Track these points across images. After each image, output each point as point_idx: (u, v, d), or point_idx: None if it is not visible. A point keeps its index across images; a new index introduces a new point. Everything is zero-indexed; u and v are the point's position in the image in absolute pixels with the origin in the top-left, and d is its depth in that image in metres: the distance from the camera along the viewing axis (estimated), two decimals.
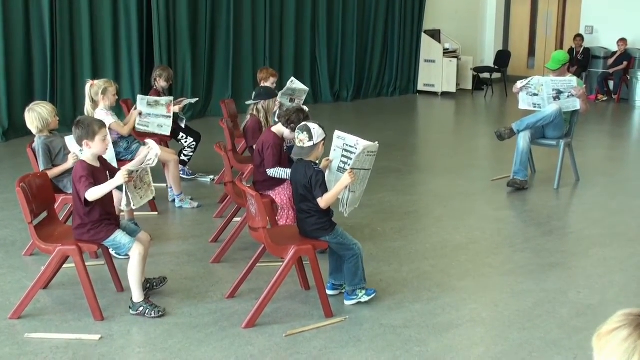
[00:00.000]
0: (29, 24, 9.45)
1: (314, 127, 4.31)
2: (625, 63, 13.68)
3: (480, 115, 13.31)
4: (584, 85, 7.63)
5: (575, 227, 6.33)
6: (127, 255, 4.36)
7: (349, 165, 4.31)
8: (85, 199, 4.05)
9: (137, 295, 4.26)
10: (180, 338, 4.02)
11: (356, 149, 4.31)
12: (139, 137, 6.63)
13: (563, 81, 7.17)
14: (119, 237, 4.22)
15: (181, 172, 6.91)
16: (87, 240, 4.22)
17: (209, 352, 3.86)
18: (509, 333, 4.16)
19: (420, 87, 14.54)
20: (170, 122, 6.74)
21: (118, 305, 4.40)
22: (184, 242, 5.64)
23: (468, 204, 6.90)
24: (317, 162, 4.40)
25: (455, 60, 14.24)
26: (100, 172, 4.23)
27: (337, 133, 4.52)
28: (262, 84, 7.09)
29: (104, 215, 4.22)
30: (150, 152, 4.28)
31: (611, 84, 14.04)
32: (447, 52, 14.38)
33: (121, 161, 5.81)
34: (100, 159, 4.32)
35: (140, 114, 6.58)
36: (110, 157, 5.19)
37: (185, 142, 7.31)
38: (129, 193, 4.14)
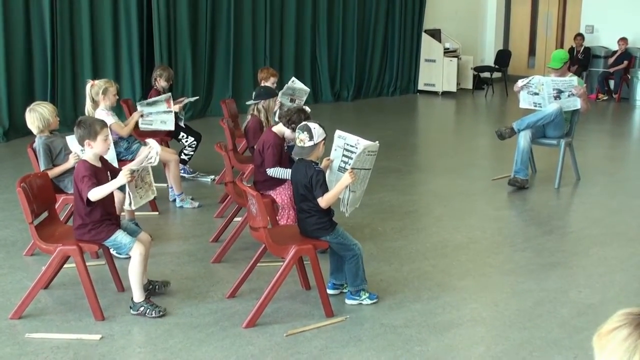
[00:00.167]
0: (30, 24, 9.45)
1: (314, 126, 4.31)
2: (625, 62, 13.67)
3: (480, 114, 13.31)
4: (585, 85, 7.63)
5: (576, 227, 6.33)
6: (127, 255, 4.37)
7: (349, 165, 4.31)
8: (87, 199, 4.06)
9: (137, 295, 4.27)
10: (181, 338, 4.02)
11: (357, 148, 4.32)
12: (139, 137, 6.64)
13: (563, 80, 7.17)
14: (120, 237, 4.22)
15: (181, 171, 6.92)
16: (87, 240, 4.22)
17: (209, 352, 3.86)
18: (509, 332, 4.16)
19: (420, 86, 14.53)
20: (172, 116, 6.74)
21: (119, 305, 4.40)
22: (184, 242, 5.64)
23: (468, 203, 6.90)
24: (318, 161, 4.40)
25: (455, 59, 14.24)
26: (101, 172, 4.23)
27: (337, 133, 4.52)
28: (262, 84, 7.09)
29: (105, 216, 4.22)
30: (151, 151, 4.29)
31: (612, 83, 14.03)
32: (447, 52, 14.38)
33: (122, 161, 5.82)
34: (102, 159, 4.33)
35: (141, 115, 6.59)
36: (111, 157, 5.19)
37: (186, 141, 7.31)
38: (130, 193, 4.14)
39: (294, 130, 4.96)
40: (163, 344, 3.95)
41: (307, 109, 5.40)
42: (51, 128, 5.29)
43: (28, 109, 5.26)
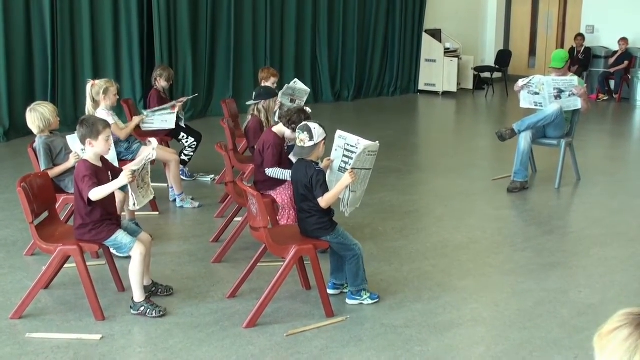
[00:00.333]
0: (30, 23, 9.45)
1: (314, 126, 4.31)
2: (626, 62, 13.67)
3: (481, 114, 13.31)
4: (585, 85, 7.63)
5: (576, 227, 6.33)
6: (128, 254, 4.36)
7: (349, 165, 4.31)
8: (88, 199, 4.06)
9: (138, 295, 4.27)
10: (181, 338, 4.02)
11: (357, 148, 4.32)
12: (139, 137, 6.64)
13: (564, 80, 7.17)
14: (120, 237, 4.22)
15: (180, 173, 6.90)
16: (88, 240, 4.22)
17: (210, 352, 3.86)
18: (509, 332, 4.16)
19: (421, 86, 14.53)
20: (174, 116, 6.78)
21: (119, 305, 4.40)
22: (185, 242, 5.64)
23: (469, 203, 6.90)
24: (318, 162, 4.40)
25: (456, 59, 14.23)
26: (102, 172, 4.23)
27: (338, 133, 4.52)
28: (262, 84, 7.09)
29: (106, 215, 4.22)
30: (149, 148, 4.29)
31: (612, 83, 14.03)
32: (448, 52, 14.38)
33: (122, 161, 5.82)
34: (102, 158, 4.33)
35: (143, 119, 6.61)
36: (112, 157, 5.18)
37: (186, 141, 7.30)
38: (132, 193, 4.15)
39: (294, 130, 4.96)
40: (163, 344, 3.95)
41: (309, 110, 5.40)
42: (52, 128, 5.30)
43: (29, 109, 5.26)
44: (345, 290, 4.56)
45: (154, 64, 9.97)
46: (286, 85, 7.60)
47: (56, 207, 4.73)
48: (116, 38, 10.30)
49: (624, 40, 13.68)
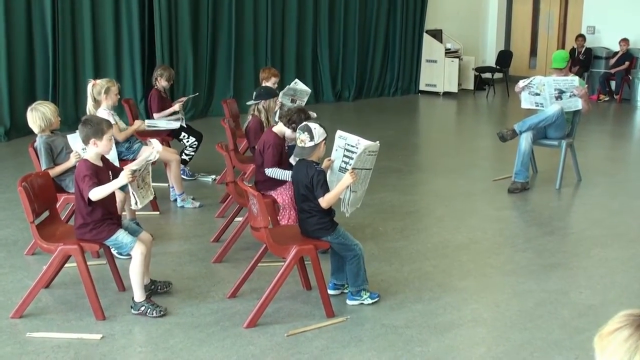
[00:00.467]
0: (31, 23, 9.46)
1: (314, 127, 4.31)
2: (627, 63, 13.66)
3: (481, 115, 13.30)
4: (586, 85, 7.63)
5: (577, 228, 6.33)
6: (128, 254, 4.37)
7: (350, 165, 4.31)
8: (88, 199, 4.06)
9: (138, 295, 4.27)
10: (181, 338, 4.02)
11: (357, 148, 4.32)
12: (140, 136, 6.64)
13: (565, 81, 7.17)
14: (121, 236, 4.23)
15: (181, 173, 6.91)
16: (89, 239, 4.22)
17: (210, 352, 3.86)
18: (510, 333, 4.16)
19: (422, 87, 14.53)
20: (177, 116, 6.83)
21: (119, 305, 4.40)
22: (185, 242, 5.64)
23: (469, 204, 6.90)
24: (319, 162, 4.40)
25: (457, 60, 14.23)
26: (103, 171, 4.23)
27: (338, 133, 4.52)
28: (263, 84, 7.09)
29: (106, 215, 4.22)
30: (153, 151, 4.29)
31: (613, 84, 14.03)
32: (448, 52, 14.37)
33: (123, 161, 5.83)
34: (103, 158, 4.33)
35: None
36: (113, 156, 5.19)
37: (187, 141, 7.31)
38: (133, 192, 4.15)
39: (294, 130, 4.96)
40: (164, 344, 3.95)
41: (314, 114, 5.38)
42: (52, 128, 5.29)
43: (30, 108, 5.26)
44: (345, 291, 4.56)
45: (154, 63, 9.98)
46: (287, 86, 7.60)
47: (57, 206, 4.74)
48: (117, 38, 10.30)
49: (624, 41, 13.67)
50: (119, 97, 6.15)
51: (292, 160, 4.53)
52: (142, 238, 4.32)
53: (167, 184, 6.68)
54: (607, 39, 14.36)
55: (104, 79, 6.26)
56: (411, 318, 4.31)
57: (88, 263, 4.29)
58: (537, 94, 7.27)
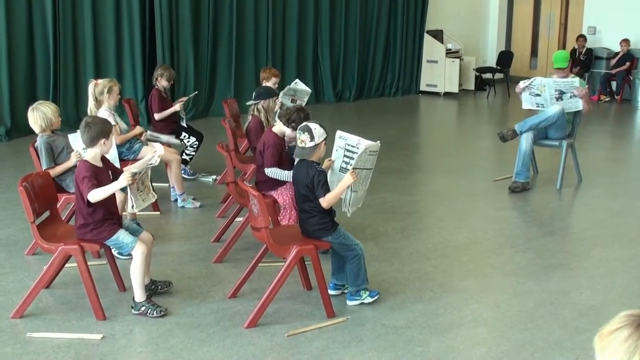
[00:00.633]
0: (32, 23, 9.47)
1: (315, 127, 4.31)
2: (627, 64, 13.66)
3: (482, 115, 13.30)
4: (587, 86, 7.62)
5: (578, 228, 6.33)
6: (129, 255, 4.37)
7: (351, 165, 4.31)
8: (88, 200, 4.06)
9: (139, 295, 4.27)
10: (182, 338, 4.02)
11: (358, 148, 4.32)
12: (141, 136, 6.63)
13: (565, 82, 7.17)
14: (122, 236, 4.23)
15: (182, 172, 6.91)
16: (89, 239, 4.22)
17: (210, 352, 3.86)
18: (510, 333, 4.16)
19: (422, 87, 14.53)
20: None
21: (120, 305, 4.40)
22: (186, 242, 5.64)
23: (470, 204, 6.89)
24: (319, 162, 4.40)
25: (457, 60, 14.23)
26: (103, 172, 4.24)
27: (338, 133, 4.52)
28: (264, 84, 7.09)
29: (107, 215, 4.22)
30: (154, 154, 4.29)
31: (614, 84, 14.02)
32: (449, 53, 14.38)
33: (123, 161, 5.83)
34: (103, 158, 4.33)
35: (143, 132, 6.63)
36: (113, 156, 5.19)
37: (188, 141, 7.31)
38: (132, 195, 4.14)
39: (294, 129, 4.97)
40: (164, 344, 3.95)
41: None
42: (53, 128, 5.29)
43: (31, 108, 5.26)
44: (346, 291, 4.56)
45: (155, 63, 9.98)
46: (287, 85, 7.61)
47: (57, 206, 4.74)
48: (118, 37, 10.31)
49: (625, 41, 13.67)
50: (119, 97, 6.15)
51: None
52: (142, 238, 4.32)
53: (167, 184, 6.68)
54: (607, 40, 14.36)
55: (106, 78, 6.26)
56: (412, 318, 4.31)
57: (88, 263, 4.29)
58: (538, 95, 7.27)
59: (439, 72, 14.31)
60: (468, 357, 3.89)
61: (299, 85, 7.56)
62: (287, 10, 12.37)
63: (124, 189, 4.19)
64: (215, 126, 8.91)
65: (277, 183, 5.21)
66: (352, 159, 4.33)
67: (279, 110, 6.29)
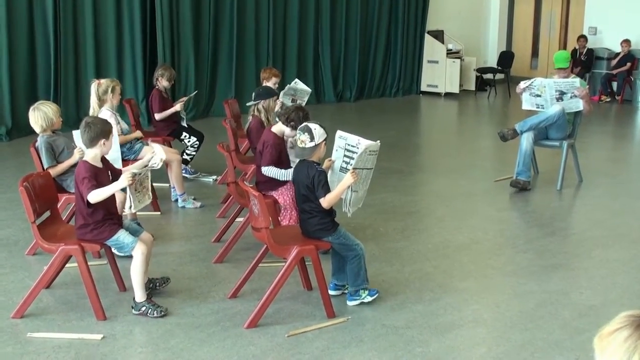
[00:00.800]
0: (33, 23, 9.47)
1: (315, 127, 4.31)
2: (628, 64, 13.65)
3: (483, 116, 13.30)
4: (587, 86, 7.62)
5: (578, 228, 6.33)
6: (129, 254, 4.36)
7: (351, 165, 4.31)
8: (88, 200, 4.06)
9: (139, 295, 4.27)
10: (182, 338, 4.02)
11: (358, 148, 4.32)
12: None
13: (566, 82, 7.17)
14: (122, 236, 4.23)
15: (183, 172, 6.92)
16: (89, 239, 4.22)
17: (211, 352, 3.86)
18: (510, 334, 4.15)
19: (423, 87, 14.52)
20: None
21: (120, 305, 4.40)
22: (186, 242, 5.64)
23: (470, 204, 6.89)
24: (320, 162, 4.40)
25: (458, 60, 14.23)
26: (103, 172, 4.24)
27: (338, 133, 4.52)
28: (264, 84, 7.10)
29: (107, 215, 4.22)
30: (155, 157, 4.29)
31: (614, 85, 14.02)
32: (450, 53, 14.37)
33: (124, 161, 5.82)
34: (103, 159, 4.33)
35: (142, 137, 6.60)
36: (116, 157, 5.19)
37: (188, 141, 7.32)
38: (131, 196, 4.14)
39: (293, 128, 4.98)
40: (164, 344, 3.95)
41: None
42: (54, 128, 5.29)
43: (32, 108, 5.26)
44: (346, 291, 4.56)
45: (156, 63, 9.97)
46: (287, 85, 7.61)
47: (58, 206, 4.74)
48: (119, 37, 10.31)
49: (626, 42, 13.66)
50: (120, 97, 6.15)
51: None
52: (143, 238, 4.32)
53: (168, 184, 6.68)
54: (608, 40, 14.35)
55: (108, 78, 6.26)
56: (412, 318, 4.31)
57: (89, 263, 4.29)
58: (538, 96, 7.27)
59: (439, 73, 14.31)
60: (468, 358, 3.89)
61: (298, 84, 7.56)
62: (288, 10, 12.37)
63: (124, 189, 4.19)
64: (215, 126, 8.92)
65: (278, 183, 5.21)
66: (352, 158, 4.33)
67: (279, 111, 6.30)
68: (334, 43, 13.14)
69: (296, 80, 7.71)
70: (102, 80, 6.01)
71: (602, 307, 4.53)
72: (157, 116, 7.19)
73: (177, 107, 7.24)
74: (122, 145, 6.13)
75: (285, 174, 5.10)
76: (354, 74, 13.53)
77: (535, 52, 16.82)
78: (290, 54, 12.51)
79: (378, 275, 4.91)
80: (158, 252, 5.14)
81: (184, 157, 7.15)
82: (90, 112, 5.90)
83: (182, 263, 5.17)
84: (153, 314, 4.24)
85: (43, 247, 4.31)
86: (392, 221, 6.23)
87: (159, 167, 4.26)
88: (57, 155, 5.25)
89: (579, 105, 7.20)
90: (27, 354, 3.81)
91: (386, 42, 14.00)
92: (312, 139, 4.27)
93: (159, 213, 6.24)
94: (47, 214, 4.54)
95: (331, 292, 4.48)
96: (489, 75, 14.84)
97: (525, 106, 7.46)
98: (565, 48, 15.35)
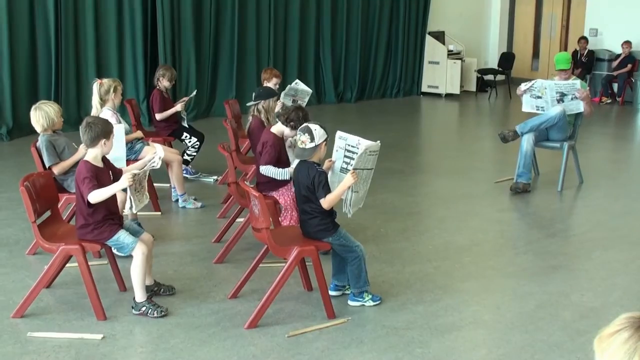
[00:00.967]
0: (34, 23, 9.47)
1: (315, 128, 4.31)
2: (629, 66, 13.65)
3: (483, 117, 13.30)
4: (588, 88, 7.62)
5: (579, 230, 6.32)
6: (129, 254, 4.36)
7: (351, 165, 4.31)
8: (88, 200, 4.06)
9: (139, 295, 4.27)
10: (182, 338, 4.02)
11: (358, 149, 4.31)
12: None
13: (567, 84, 7.16)
14: (122, 236, 4.23)
15: (184, 172, 6.92)
16: (90, 239, 4.22)
17: (211, 353, 3.86)
18: (511, 335, 4.15)
19: (424, 88, 14.52)
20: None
21: (120, 305, 4.41)
22: (187, 242, 5.64)
23: (471, 205, 6.89)
24: (320, 163, 4.40)
25: (459, 62, 14.22)
26: (103, 172, 4.24)
27: (338, 133, 4.52)
28: (265, 84, 7.10)
29: (108, 215, 4.23)
30: (155, 155, 4.30)
31: (615, 86, 14.01)
32: (451, 54, 14.36)
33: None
34: (104, 159, 4.33)
35: (142, 138, 6.59)
36: (122, 155, 5.19)
37: (189, 142, 7.32)
38: (131, 196, 4.15)
39: (292, 128, 4.99)
40: (165, 344, 3.95)
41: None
42: (55, 128, 5.29)
43: (34, 107, 5.26)
44: (347, 292, 4.56)
45: (157, 64, 9.97)
46: (288, 86, 7.61)
47: (58, 206, 4.74)
48: (120, 38, 10.31)
49: (627, 43, 13.65)
50: (122, 97, 6.16)
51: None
52: (143, 239, 4.32)
53: (168, 185, 6.68)
54: (609, 42, 14.34)
55: (110, 78, 6.26)
56: (412, 320, 4.31)
57: (89, 263, 4.29)
58: (539, 97, 7.27)
59: (440, 74, 14.30)
60: (468, 359, 3.89)
61: (299, 85, 7.56)
62: (288, 11, 12.37)
63: (124, 189, 4.20)
64: (216, 126, 8.92)
65: (278, 184, 5.21)
66: (353, 159, 4.33)
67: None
68: (334, 44, 13.14)
69: (297, 80, 7.71)
70: (104, 80, 6.01)
71: (603, 309, 4.53)
72: (158, 116, 7.19)
73: (178, 107, 7.24)
74: None
75: (283, 173, 5.11)
76: (355, 75, 13.53)
77: (536, 54, 16.81)
78: (291, 55, 12.51)
79: (378, 276, 4.91)
80: (158, 253, 5.14)
81: (184, 157, 7.15)
82: (93, 112, 5.90)
83: (182, 263, 5.17)
84: (153, 314, 4.24)
85: (43, 246, 4.31)
86: (393, 222, 6.23)
87: (158, 166, 4.26)
88: (59, 154, 5.25)
89: (580, 107, 7.19)
90: (27, 354, 3.81)
91: (387, 43, 13.99)
92: (312, 139, 4.27)
93: (159, 213, 6.24)
94: (48, 213, 4.55)
95: (331, 293, 4.48)
96: (490, 77, 14.82)
97: (526, 108, 7.46)
98: (566, 49, 15.35)
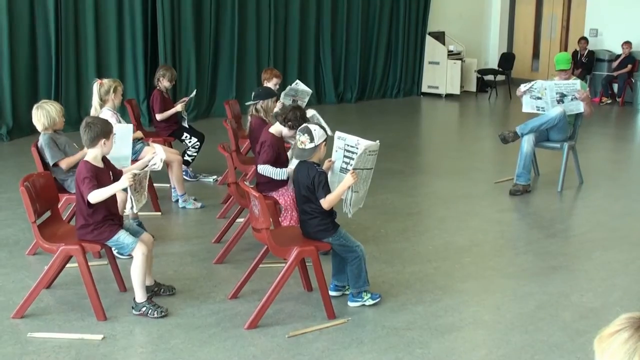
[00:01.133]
0: (34, 23, 9.48)
1: (314, 128, 4.31)
2: (629, 66, 13.65)
3: (484, 117, 13.29)
4: (588, 88, 7.62)
5: (579, 230, 6.32)
6: (129, 255, 4.36)
7: (351, 165, 4.31)
8: (88, 200, 4.06)
9: (140, 296, 4.27)
10: (182, 338, 4.02)
11: (357, 149, 4.32)
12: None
13: (567, 84, 7.16)
14: (122, 237, 4.23)
15: (183, 174, 6.91)
16: (90, 240, 4.22)
17: (211, 353, 3.86)
18: (511, 336, 4.15)
19: (424, 89, 14.52)
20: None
21: (121, 305, 4.41)
22: (187, 243, 5.64)
23: (471, 206, 6.89)
24: (319, 163, 4.40)
25: (459, 62, 14.23)
26: (104, 172, 4.24)
27: (337, 134, 4.52)
28: (265, 85, 7.10)
29: (108, 216, 4.23)
30: (156, 157, 4.30)
31: (615, 87, 14.01)
32: (451, 54, 14.37)
33: None
34: (104, 159, 4.33)
35: (142, 138, 6.59)
36: (127, 154, 5.19)
37: (189, 142, 7.32)
38: (132, 196, 4.15)
39: (290, 128, 4.99)
40: (165, 345, 3.95)
41: (312, 111, 5.35)
42: (56, 127, 5.28)
43: (35, 106, 5.25)
44: (346, 292, 4.56)
45: (157, 64, 9.98)
46: (288, 86, 7.61)
47: (59, 206, 4.74)
48: (120, 38, 10.31)
49: (627, 44, 13.65)
50: (122, 97, 6.16)
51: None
52: (143, 239, 4.32)
53: (168, 185, 6.68)
54: (609, 42, 14.34)
55: (110, 78, 6.27)
56: (412, 320, 4.31)
57: (89, 263, 4.30)
58: (539, 98, 7.27)
59: (440, 74, 14.30)
60: (468, 359, 3.89)
61: (299, 85, 7.56)
62: (289, 11, 12.37)
63: (125, 189, 4.20)
64: (216, 127, 8.92)
65: (278, 184, 5.21)
66: (352, 159, 4.33)
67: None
68: (335, 44, 13.14)
69: (297, 81, 7.71)
70: (105, 80, 6.02)
71: (603, 309, 4.53)
72: (158, 117, 7.19)
73: (178, 107, 7.24)
74: None
75: (280, 173, 5.10)
76: (355, 75, 13.53)
77: (536, 54, 16.81)
78: (291, 55, 12.51)
79: (378, 277, 4.91)
80: (158, 253, 5.14)
81: (185, 158, 7.15)
82: (92, 112, 5.90)
83: (182, 263, 5.18)
84: (153, 315, 4.24)
85: (43, 247, 4.31)
86: (393, 222, 6.23)
87: (159, 168, 4.27)
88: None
89: (580, 107, 7.19)
90: (27, 354, 3.81)
91: (387, 43, 13.99)
92: (312, 140, 4.27)
93: (159, 213, 6.24)
94: (48, 213, 4.55)
95: (331, 293, 4.48)
96: (490, 77, 14.83)
97: (526, 109, 7.46)
98: (566, 50, 15.35)
